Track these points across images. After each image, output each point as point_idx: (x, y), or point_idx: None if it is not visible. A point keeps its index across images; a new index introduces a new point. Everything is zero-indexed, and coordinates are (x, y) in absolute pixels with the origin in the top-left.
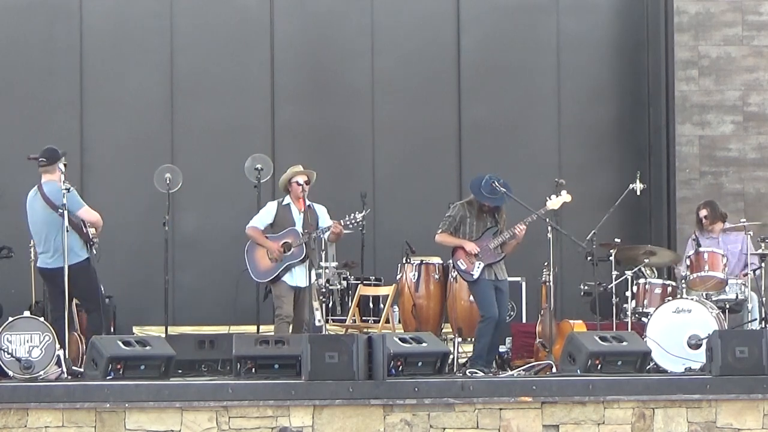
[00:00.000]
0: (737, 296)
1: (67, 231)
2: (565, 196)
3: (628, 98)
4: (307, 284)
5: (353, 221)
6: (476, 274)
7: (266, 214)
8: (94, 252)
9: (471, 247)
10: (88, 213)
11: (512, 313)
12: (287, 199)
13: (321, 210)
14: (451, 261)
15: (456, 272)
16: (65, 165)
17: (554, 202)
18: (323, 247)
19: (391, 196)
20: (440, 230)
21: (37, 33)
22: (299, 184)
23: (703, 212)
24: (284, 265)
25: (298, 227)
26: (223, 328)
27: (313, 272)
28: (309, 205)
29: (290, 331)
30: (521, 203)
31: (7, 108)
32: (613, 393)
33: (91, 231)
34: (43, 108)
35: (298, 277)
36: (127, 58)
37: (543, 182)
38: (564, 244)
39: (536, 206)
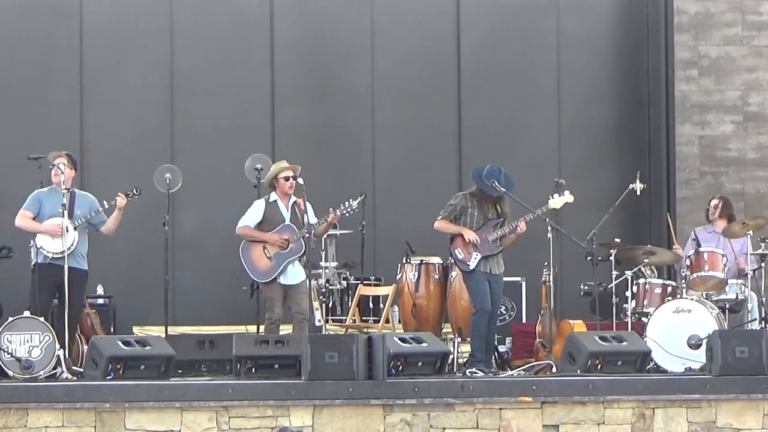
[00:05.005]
0: (737, 296)
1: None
2: (567, 197)
3: (628, 98)
4: (299, 282)
5: (349, 209)
6: (472, 264)
7: (255, 213)
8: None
9: (471, 235)
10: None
11: (512, 312)
12: (273, 196)
13: (308, 206)
14: (449, 254)
15: (453, 261)
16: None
17: (556, 201)
18: (323, 247)
19: (391, 196)
20: (440, 217)
21: (37, 33)
22: (287, 180)
23: (715, 201)
24: (285, 263)
25: (288, 223)
26: (223, 328)
27: (302, 269)
28: (296, 201)
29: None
30: (520, 202)
31: (7, 108)
32: (613, 393)
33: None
34: (43, 108)
35: (289, 275)
36: (127, 58)
37: (543, 182)
38: (564, 244)
39: (536, 206)
